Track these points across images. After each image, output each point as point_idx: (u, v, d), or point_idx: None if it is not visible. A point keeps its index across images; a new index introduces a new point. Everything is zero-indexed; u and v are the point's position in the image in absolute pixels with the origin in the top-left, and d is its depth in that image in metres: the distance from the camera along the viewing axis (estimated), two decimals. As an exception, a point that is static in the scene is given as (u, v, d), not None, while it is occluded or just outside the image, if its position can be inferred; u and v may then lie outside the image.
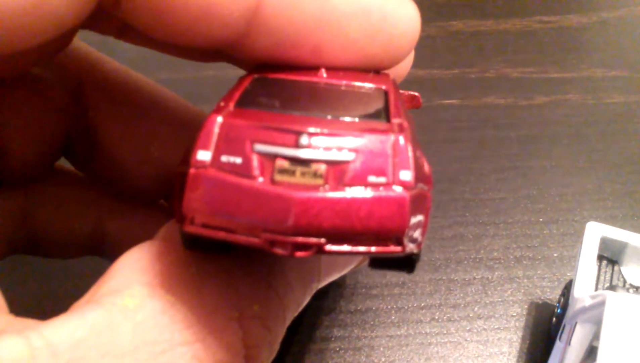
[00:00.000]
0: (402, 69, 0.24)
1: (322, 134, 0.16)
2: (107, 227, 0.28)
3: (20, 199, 0.26)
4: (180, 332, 0.17)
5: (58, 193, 0.27)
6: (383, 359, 0.33)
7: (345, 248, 0.16)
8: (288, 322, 0.21)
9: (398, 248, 0.16)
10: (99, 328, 0.16)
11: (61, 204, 0.27)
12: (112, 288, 0.17)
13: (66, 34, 0.19)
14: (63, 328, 0.15)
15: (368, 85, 0.20)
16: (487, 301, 0.36)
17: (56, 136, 0.25)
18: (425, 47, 0.52)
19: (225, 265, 0.19)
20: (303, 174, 0.16)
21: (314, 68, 0.21)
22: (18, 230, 0.26)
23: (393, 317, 0.35)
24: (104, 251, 0.29)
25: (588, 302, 0.27)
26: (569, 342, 0.28)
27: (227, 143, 0.16)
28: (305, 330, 0.34)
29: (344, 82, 0.20)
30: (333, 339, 0.34)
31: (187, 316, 0.17)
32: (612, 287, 0.30)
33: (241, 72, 0.22)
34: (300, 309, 0.22)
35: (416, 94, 0.25)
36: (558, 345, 0.30)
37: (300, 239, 0.15)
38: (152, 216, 0.29)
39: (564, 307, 0.32)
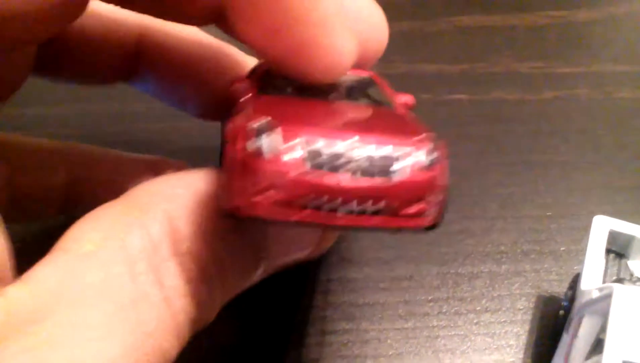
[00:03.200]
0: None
1: None
2: (79, 176, 0.31)
3: (4, 169, 0.28)
4: (138, 264, 0.19)
5: (31, 157, 0.30)
6: (391, 352, 0.33)
7: None
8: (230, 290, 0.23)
9: None
10: (70, 270, 0.18)
11: (34, 165, 0.30)
12: (72, 237, 0.20)
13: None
14: (47, 271, 0.18)
15: None
16: (495, 295, 0.36)
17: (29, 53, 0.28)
18: (434, 42, 0.53)
19: None
20: None
21: None
22: (4, 198, 0.28)
23: (401, 310, 0.35)
24: (84, 202, 0.31)
25: (595, 295, 0.28)
26: (575, 335, 0.28)
27: None
28: (313, 323, 0.34)
29: None
30: (341, 332, 0.34)
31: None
32: (619, 280, 0.30)
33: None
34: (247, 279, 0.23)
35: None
36: (565, 338, 0.30)
37: None
38: (119, 164, 0.32)
39: (571, 300, 0.32)
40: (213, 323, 0.24)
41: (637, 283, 0.31)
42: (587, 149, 0.44)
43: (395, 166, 0.18)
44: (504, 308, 0.35)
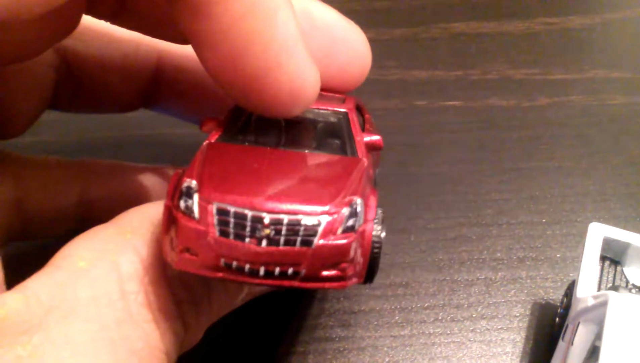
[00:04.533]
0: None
1: None
2: (92, 194, 0.31)
3: (12, 190, 0.28)
4: (129, 284, 0.20)
5: (42, 176, 0.30)
6: (387, 359, 0.33)
7: None
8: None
9: None
10: (64, 283, 0.19)
11: (46, 185, 0.30)
12: (66, 254, 0.20)
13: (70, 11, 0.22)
14: (41, 284, 0.19)
15: None
16: (491, 302, 0.36)
17: (48, 87, 0.29)
18: (428, 49, 0.53)
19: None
20: None
21: None
22: (13, 217, 0.28)
23: (397, 317, 0.35)
24: (94, 219, 0.31)
25: (590, 302, 0.28)
26: (571, 342, 0.28)
27: None
28: (309, 331, 0.34)
29: None
30: (337, 339, 0.34)
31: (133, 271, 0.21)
32: (614, 287, 0.30)
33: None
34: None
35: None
36: (561, 345, 0.30)
37: None
38: (128, 178, 0.32)
39: (567, 307, 0.32)
40: (208, 330, 0.24)
41: (633, 291, 0.31)
42: (582, 156, 0.44)
43: (305, 234, 0.19)
44: (500, 315, 0.35)
